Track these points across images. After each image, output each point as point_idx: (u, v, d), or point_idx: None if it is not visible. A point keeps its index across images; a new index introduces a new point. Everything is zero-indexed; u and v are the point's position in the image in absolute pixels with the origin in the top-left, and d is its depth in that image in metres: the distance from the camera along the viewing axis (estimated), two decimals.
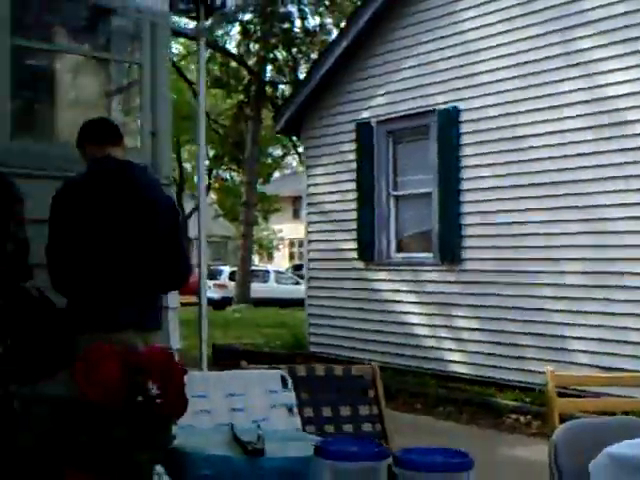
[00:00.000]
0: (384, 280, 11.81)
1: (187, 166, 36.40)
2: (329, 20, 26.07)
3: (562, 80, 9.52)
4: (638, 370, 6.17)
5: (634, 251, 8.74)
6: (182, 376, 1.41)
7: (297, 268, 35.95)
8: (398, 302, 11.53)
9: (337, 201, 12.66)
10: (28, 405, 3.22)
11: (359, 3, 12.43)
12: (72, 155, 4.13)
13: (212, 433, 1.76)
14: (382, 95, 11.88)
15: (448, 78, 10.88)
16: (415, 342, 11.18)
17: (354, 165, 12.26)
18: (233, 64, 27.25)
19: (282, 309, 25.45)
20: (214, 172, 36.30)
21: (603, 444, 1.91)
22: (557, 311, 9.49)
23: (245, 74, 27.12)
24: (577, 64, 9.41)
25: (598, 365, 8.89)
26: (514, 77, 10.04)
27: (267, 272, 32.78)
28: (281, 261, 47.16)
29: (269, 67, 27.27)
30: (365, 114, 12.14)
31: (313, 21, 26.93)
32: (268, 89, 27.31)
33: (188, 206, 31.28)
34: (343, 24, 15.64)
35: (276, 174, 44.88)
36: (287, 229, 45.10)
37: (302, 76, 22.09)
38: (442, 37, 10.98)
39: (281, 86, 27.84)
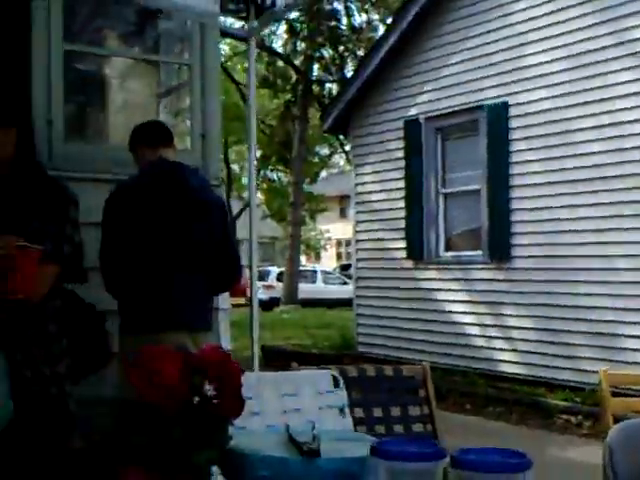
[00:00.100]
0: (433, 279, 11.76)
1: (234, 167, 36.56)
2: (375, 17, 26.04)
3: (615, 71, 9.36)
4: None
5: None
6: (239, 377, 1.42)
7: (344, 268, 35.91)
8: (447, 301, 11.47)
9: (385, 199, 12.64)
10: (83, 405, 3.27)
11: None
12: (124, 158, 4.18)
13: (267, 434, 1.77)
14: (430, 91, 11.83)
15: (497, 72, 10.80)
16: (464, 341, 11.11)
17: (402, 163, 12.23)
18: (280, 63, 27.33)
19: (329, 309, 25.45)
20: (261, 173, 36.43)
21: None
22: (610, 309, 9.34)
23: (292, 73, 27.18)
24: (631, 54, 9.23)
25: None
26: (565, 69, 9.91)
27: (315, 272, 32.79)
28: (328, 261, 47.13)
29: (316, 66, 27.30)
30: (413, 111, 12.10)
31: (359, 18, 26.92)
32: (315, 88, 27.34)
33: (235, 207, 31.43)
34: (390, 20, 15.63)
35: (323, 173, 44.88)
36: (334, 229, 45.06)
37: (349, 74, 22.10)
38: (490, 31, 10.90)
39: (328, 84, 27.85)
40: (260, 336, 5.30)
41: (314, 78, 27.56)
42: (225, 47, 29.56)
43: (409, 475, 1.27)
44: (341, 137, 25.35)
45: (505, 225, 10.63)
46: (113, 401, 3.79)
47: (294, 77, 27.15)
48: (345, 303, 21.99)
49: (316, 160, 39.31)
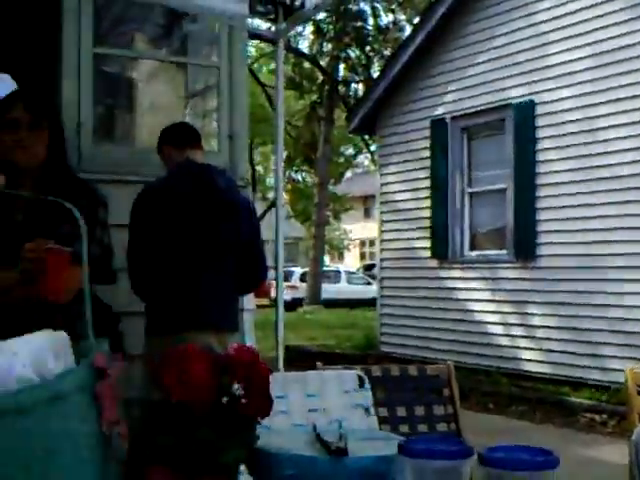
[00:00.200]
0: (458, 278, 11.75)
1: (258, 168, 36.60)
2: (402, 17, 26.00)
3: None
4: None
5: None
6: (267, 376, 1.44)
7: (368, 268, 35.85)
8: (472, 300, 11.45)
9: (410, 199, 12.64)
10: None
11: None
12: (152, 160, 4.22)
13: (294, 433, 1.79)
14: (456, 91, 11.83)
15: (523, 71, 10.78)
16: (488, 341, 11.09)
17: (428, 162, 12.23)
18: (306, 64, 27.34)
19: (353, 309, 25.42)
20: (286, 173, 36.43)
21: None
22: (636, 307, 9.29)
23: (318, 74, 27.19)
24: None
25: None
26: (592, 67, 9.87)
27: (338, 272, 32.73)
28: (352, 261, 47.08)
29: (342, 66, 27.29)
30: (439, 110, 12.10)
31: (386, 18, 26.88)
32: (341, 88, 27.34)
33: (259, 208, 31.41)
34: (416, 20, 15.62)
35: (347, 174, 44.85)
36: (358, 229, 44.98)
37: (375, 74, 22.08)
38: (516, 30, 10.88)
39: (354, 85, 27.83)
40: (284, 336, 5.32)
41: (340, 79, 27.55)
42: (251, 49, 29.63)
43: (436, 473, 1.28)
44: (366, 137, 25.36)
45: (531, 224, 10.60)
46: (138, 402, 3.83)
47: (320, 78, 27.14)
48: (369, 303, 21.96)
49: (341, 160, 39.30)
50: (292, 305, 26.00)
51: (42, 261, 2.70)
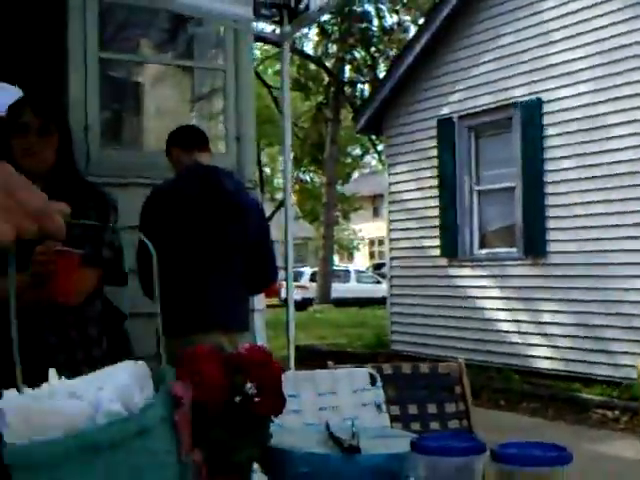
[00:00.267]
0: (467, 276, 11.75)
1: (265, 169, 36.63)
2: (406, 18, 26.00)
3: None
4: None
5: None
6: (280, 375, 1.45)
7: (377, 267, 35.85)
8: (482, 298, 11.45)
9: (419, 198, 12.65)
10: None
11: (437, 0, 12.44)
12: (159, 163, 4.24)
13: (307, 431, 1.80)
14: (462, 90, 11.83)
15: (529, 70, 10.78)
16: (499, 338, 11.09)
17: (436, 161, 12.24)
18: (311, 66, 27.36)
19: (362, 308, 25.43)
20: (294, 174, 36.43)
21: None
22: None
23: (324, 75, 27.21)
24: None
25: None
26: (598, 65, 9.86)
27: (348, 272, 32.74)
28: (361, 260, 47.10)
29: (347, 67, 27.31)
30: (446, 110, 12.11)
31: (390, 19, 26.91)
32: (347, 89, 27.35)
33: (267, 209, 31.39)
34: (421, 21, 15.63)
35: (355, 174, 44.86)
36: (367, 228, 44.99)
37: (381, 75, 22.09)
38: (521, 29, 10.88)
39: (359, 86, 27.84)
40: (294, 336, 5.33)
41: (346, 79, 27.56)
42: (256, 51, 29.64)
43: (449, 470, 1.28)
44: (373, 137, 25.37)
45: (540, 221, 10.60)
46: None
47: (326, 79, 27.16)
48: (379, 302, 21.96)
49: (348, 161, 39.31)
50: (302, 305, 26.00)
51: (52, 264, 2.72)
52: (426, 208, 12.46)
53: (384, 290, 15.73)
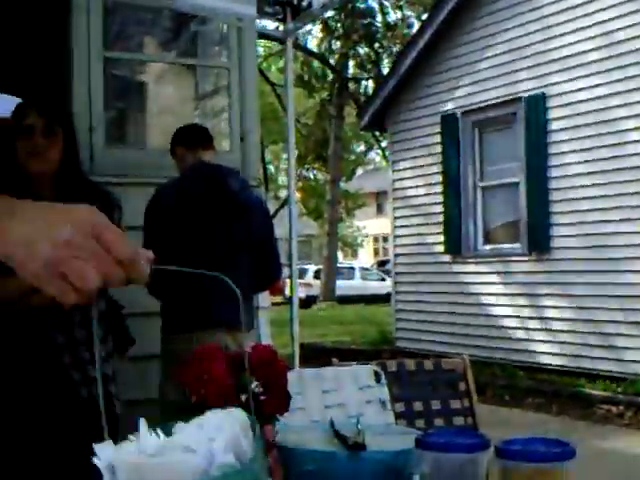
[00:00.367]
0: (472, 272, 11.75)
1: (269, 167, 36.63)
2: (409, 13, 25.97)
3: None
4: None
5: None
6: (285, 374, 1.46)
7: (382, 264, 35.82)
8: (486, 294, 11.46)
9: (423, 194, 12.65)
10: (127, 406, 3.33)
11: None
12: (164, 162, 4.25)
13: (312, 429, 1.81)
14: (466, 85, 11.83)
15: (533, 64, 10.77)
16: (503, 334, 11.09)
17: (440, 157, 12.23)
18: (315, 63, 27.33)
19: (367, 305, 25.42)
20: (297, 171, 36.40)
21: None
22: None
23: (328, 72, 27.19)
24: None
25: None
26: (602, 58, 9.85)
27: (352, 269, 32.73)
28: (365, 257, 47.09)
29: (351, 63, 27.27)
30: (449, 105, 12.10)
31: (394, 15, 26.86)
32: (351, 85, 27.33)
33: (271, 207, 31.27)
34: (425, 16, 15.62)
35: (359, 171, 44.84)
36: (371, 225, 44.99)
37: (384, 71, 22.07)
38: (524, 23, 10.87)
39: (363, 82, 27.83)
40: (299, 333, 5.34)
41: (350, 76, 27.54)
42: (259, 48, 29.60)
43: (454, 466, 1.29)
44: (377, 134, 25.35)
45: (544, 217, 10.59)
46: (156, 401, 3.86)
47: (330, 75, 27.14)
48: (383, 299, 21.96)
49: (352, 157, 39.29)
50: (306, 302, 25.98)
51: None
52: (430, 204, 12.46)
53: (388, 287, 15.73)
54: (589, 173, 10.01)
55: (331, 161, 27.32)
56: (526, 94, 10.85)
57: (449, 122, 12.03)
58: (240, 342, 3.67)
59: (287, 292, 10.88)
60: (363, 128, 15.88)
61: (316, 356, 11.56)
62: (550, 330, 10.51)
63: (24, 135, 2.98)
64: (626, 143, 9.55)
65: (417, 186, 12.79)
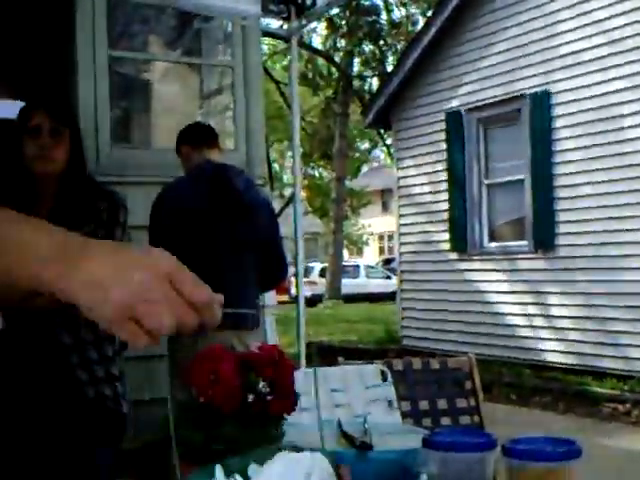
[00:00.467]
0: (477, 270, 11.74)
1: (274, 165, 36.66)
2: (414, 10, 25.96)
3: None
4: None
5: None
6: (292, 373, 1.46)
7: (387, 262, 35.80)
8: (492, 292, 11.45)
9: (428, 192, 12.64)
10: (135, 406, 3.33)
11: None
12: (169, 161, 4.25)
13: (318, 429, 1.80)
14: (471, 83, 11.82)
15: (537, 61, 10.75)
16: (509, 332, 11.08)
17: (445, 155, 12.22)
18: (320, 61, 27.33)
19: (372, 304, 25.40)
20: (302, 170, 36.31)
21: None
22: None
23: (333, 70, 27.19)
24: None
25: None
26: (606, 55, 9.82)
27: (357, 267, 32.70)
28: (371, 255, 47.08)
29: (356, 60, 27.26)
30: (454, 102, 12.09)
31: (399, 12, 26.86)
32: (356, 83, 27.32)
33: (276, 205, 31.25)
34: (429, 13, 15.61)
35: (364, 168, 44.83)
36: (376, 223, 44.97)
37: (389, 68, 22.06)
38: (529, 20, 10.85)
39: (368, 80, 27.82)
40: (304, 332, 5.34)
41: (354, 73, 27.53)
42: (263, 46, 29.58)
43: (461, 465, 1.29)
44: (382, 131, 25.35)
45: (549, 214, 10.58)
46: (164, 401, 3.86)
47: (336, 74, 27.14)
48: (389, 297, 21.93)
49: (357, 155, 39.27)
50: (312, 301, 25.95)
51: None
52: (436, 202, 12.45)
53: (394, 285, 15.72)
54: (594, 170, 9.99)
55: (336, 159, 27.31)
56: (530, 91, 10.84)
57: (454, 119, 12.02)
58: (246, 342, 3.67)
59: (293, 291, 10.89)
60: (368, 126, 15.88)
61: (322, 355, 11.57)
62: (556, 328, 10.49)
63: (31, 136, 2.98)
64: (631, 140, 9.53)
65: (422, 184, 12.79)
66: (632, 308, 9.48)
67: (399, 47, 24.34)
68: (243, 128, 5.20)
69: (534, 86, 10.80)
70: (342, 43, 26.38)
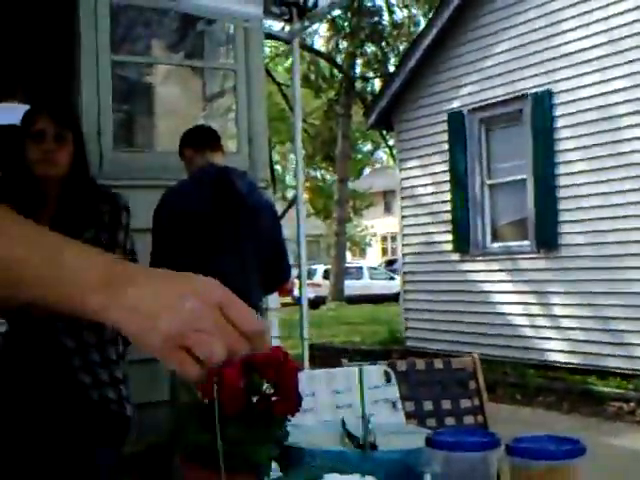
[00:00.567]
0: (480, 270, 11.73)
1: (277, 167, 36.66)
2: (416, 11, 25.96)
3: None
4: None
5: None
6: (296, 374, 1.47)
7: (390, 263, 35.78)
8: (495, 292, 11.44)
9: (431, 193, 12.64)
10: (139, 409, 3.34)
11: None
12: (172, 164, 4.26)
13: (322, 429, 1.81)
14: (472, 83, 11.82)
15: (539, 61, 10.75)
16: (513, 332, 11.07)
17: (447, 155, 12.22)
18: (322, 62, 27.33)
19: (376, 305, 25.37)
20: (305, 171, 36.38)
21: None
22: None
23: (335, 72, 27.19)
24: None
25: None
26: (608, 55, 9.81)
27: (360, 268, 32.69)
28: (373, 257, 47.06)
29: (359, 61, 27.26)
30: (456, 103, 12.09)
31: (401, 13, 26.87)
32: (358, 85, 27.31)
33: (279, 207, 31.22)
34: (431, 14, 15.61)
35: (366, 170, 44.84)
36: (378, 224, 44.97)
37: (391, 69, 22.06)
38: (530, 19, 10.86)
39: (370, 81, 27.81)
40: (308, 334, 5.34)
41: (357, 75, 27.53)
42: (266, 48, 29.55)
43: (464, 465, 1.30)
44: (384, 132, 25.35)
45: (552, 214, 10.58)
46: (168, 403, 3.87)
47: (337, 75, 27.14)
48: (392, 298, 21.92)
49: (359, 157, 39.27)
50: (315, 303, 25.93)
51: None
52: (438, 203, 12.45)
53: (397, 286, 15.71)
54: (596, 169, 9.99)
55: (339, 161, 27.31)
56: (532, 91, 10.84)
57: (456, 120, 12.02)
58: None
59: (296, 293, 10.88)
60: (370, 127, 15.86)
61: (326, 357, 11.57)
62: (560, 328, 10.49)
63: (34, 140, 2.99)
64: (633, 139, 9.53)
65: (425, 185, 12.79)
66: (636, 307, 9.47)
67: (401, 48, 24.33)
68: (245, 130, 5.21)
69: (536, 86, 10.80)
70: (344, 45, 26.37)
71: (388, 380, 2.45)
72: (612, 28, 9.77)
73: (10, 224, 1.00)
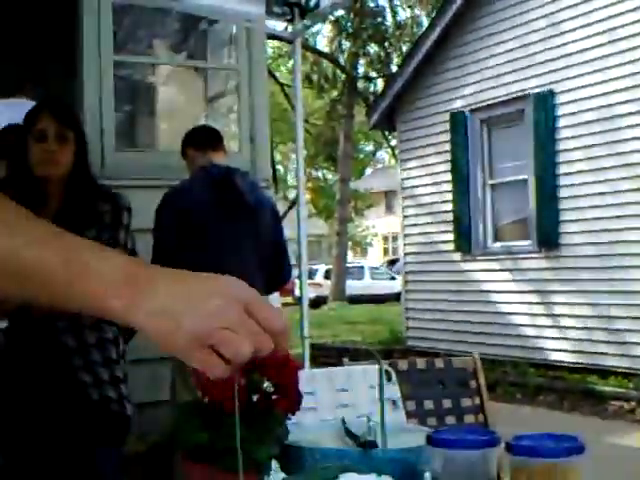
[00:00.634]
0: (482, 270, 11.73)
1: (278, 167, 36.64)
2: (419, 12, 25.94)
3: None
4: None
5: None
6: (297, 373, 1.47)
7: (391, 263, 35.75)
8: (496, 292, 11.44)
9: (432, 193, 12.64)
10: (140, 408, 3.35)
11: None
12: (174, 164, 4.26)
13: (323, 428, 1.82)
14: (474, 83, 11.81)
15: (541, 61, 10.74)
16: (514, 331, 11.07)
17: (449, 155, 12.22)
18: (325, 63, 27.31)
19: (377, 305, 25.35)
20: (306, 171, 36.39)
21: None
22: None
23: (337, 72, 27.17)
24: None
25: None
26: (609, 55, 9.80)
27: (362, 268, 32.66)
28: (375, 257, 47.03)
29: (361, 61, 27.24)
30: (458, 103, 12.09)
31: (404, 14, 26.85)
32: (361, 85, 27.29)
33: (280, 207, 31.21)
34: (434, 14, 15.61)
35: (368, 170, 44.84)
36: (380, 224, 44.94)
37: (394, 69, 22.05)
38: (531, 20, 10.85)
39: (373, 81, 27.79)
40: (308, 334, 5.35)
41: (359, 75, 27.51)
42: (269, 49, 29.53)
43: (465, 462, 1.30)
44: (386, 132, 25.34)
45: (553, 213, 10.57)
46: (169, 403, 3.87)
47: (339, 75, 27.12)
48: (394, 298, 21.91)
49: (361, 157, 39.26)
50: (316, 303, 25.90)
51: None
52: (440, 203, 12.44)
53: (399, 286, 15.71)
54: (598, 169, 9.99)
55: (341, 161, 27.29)
56: (534, 91, 10.84)
57: (458, 120, 12.02)
58: None
59: (297, 292, 10.90)
60: (372, 127, 15.86)
61: (327, 356, 11.57)
62: (560, 327, 10.49)
63: (36, 139, 3.00)
64: (635, 139, 9.52)
65: (426, 184, 12.78)
66: (636, 306, 9.47)
67: (404, 48, 24.31)
68: (247, 131, 5.21)
69: (537, 86, 10.79)
70: (347, 45, 26.36)
71: (389, 379, 2.46)
72: (613, 28, 9.77)
73: (27, 224, 1.00)
